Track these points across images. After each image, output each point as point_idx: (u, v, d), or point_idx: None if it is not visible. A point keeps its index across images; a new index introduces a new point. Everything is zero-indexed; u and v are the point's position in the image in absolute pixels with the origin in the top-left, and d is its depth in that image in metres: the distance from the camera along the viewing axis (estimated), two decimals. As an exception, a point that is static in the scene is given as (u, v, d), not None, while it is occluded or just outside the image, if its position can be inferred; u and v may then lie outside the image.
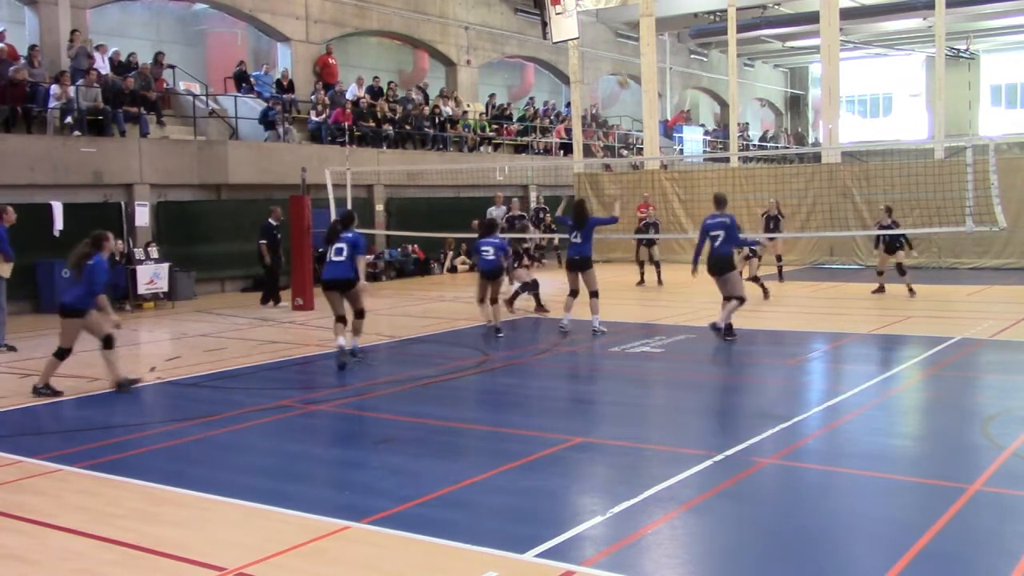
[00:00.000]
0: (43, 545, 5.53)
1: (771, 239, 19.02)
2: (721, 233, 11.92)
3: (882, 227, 16.55)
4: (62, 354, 9.70)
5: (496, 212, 20.88)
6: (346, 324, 11.20)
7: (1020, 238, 20.46)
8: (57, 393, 9.64)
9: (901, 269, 16.44)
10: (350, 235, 11.18)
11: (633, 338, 12.68)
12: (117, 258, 17.48)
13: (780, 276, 19.92)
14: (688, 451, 7.28)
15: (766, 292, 16.69)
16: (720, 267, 12.11)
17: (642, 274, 20.27)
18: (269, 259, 17.23)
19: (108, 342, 9.74)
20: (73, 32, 19.49)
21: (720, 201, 12.27)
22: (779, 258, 20.21)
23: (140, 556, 5.31)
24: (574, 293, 13.24)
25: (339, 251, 11.03)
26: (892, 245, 16.61)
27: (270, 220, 17.37)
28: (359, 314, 11.32)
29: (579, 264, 13.01)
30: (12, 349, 12.59)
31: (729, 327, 12.11)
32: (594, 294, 13.06)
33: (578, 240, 12.96)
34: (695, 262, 12.56)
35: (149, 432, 8.31)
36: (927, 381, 10.04)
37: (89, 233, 9.98)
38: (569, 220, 13.34)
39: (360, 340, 11.55)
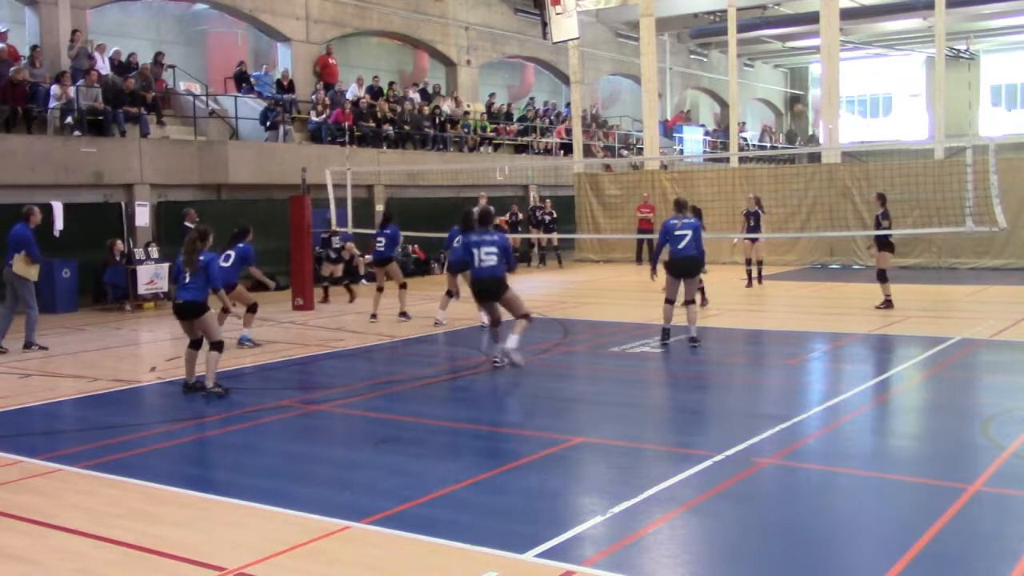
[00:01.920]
0: (43, 545, 5.53)
1: (752, 239, 18.51)
2: (688, 233, 11.93)
3: (876, 216, 14.84)
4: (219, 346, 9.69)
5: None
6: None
7: (1020, 238, 20.46)
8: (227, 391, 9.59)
9: (882, 275, 14.72)
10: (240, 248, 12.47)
11: (633, 338, 12.68)
12: (118, 258, 17.51)
13: (750, 280, 18.71)
14: (688, 451, 7.29)
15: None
16: (694, 269, 12.18)
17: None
18: None
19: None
20: (73, 32, 19.50)
21: (683, 205, 12.38)
22: (755, 261, 18.74)
23: (140, 556, 5.31)
24: (450, 294, 14.36)
25: (227, 257, 12.14)
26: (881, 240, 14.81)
27: (186, 223, 16.73)
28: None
29: (459, 267, 13.97)
30: (8, 350, 12.58)
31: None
32: (450, 293, 14.50)
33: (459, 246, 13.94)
34: (655, 263, 12.56)
35: (149, 432, 8.32)
36: (927, 381, 10.04)
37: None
38: (457, 228, 13.48)
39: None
